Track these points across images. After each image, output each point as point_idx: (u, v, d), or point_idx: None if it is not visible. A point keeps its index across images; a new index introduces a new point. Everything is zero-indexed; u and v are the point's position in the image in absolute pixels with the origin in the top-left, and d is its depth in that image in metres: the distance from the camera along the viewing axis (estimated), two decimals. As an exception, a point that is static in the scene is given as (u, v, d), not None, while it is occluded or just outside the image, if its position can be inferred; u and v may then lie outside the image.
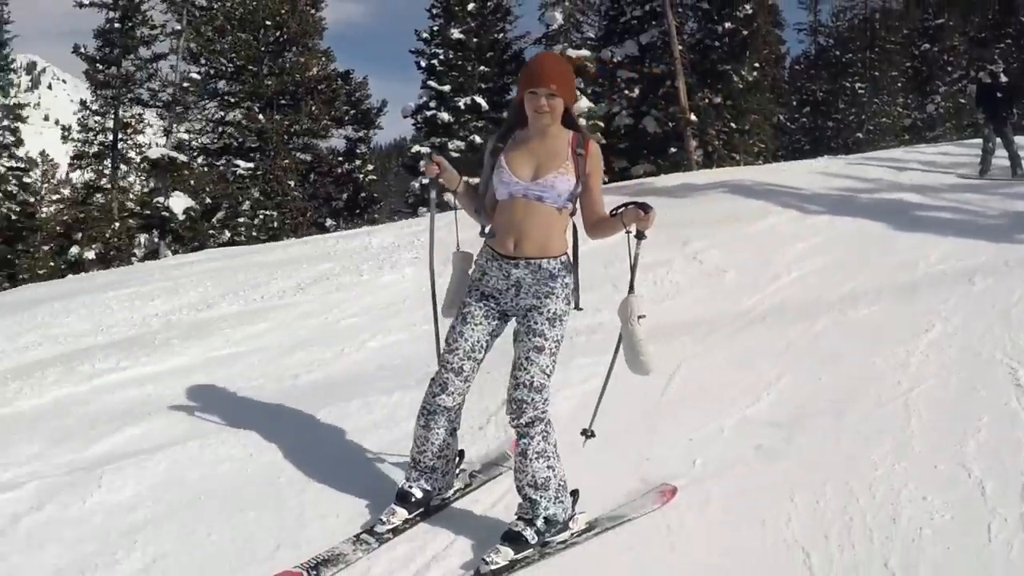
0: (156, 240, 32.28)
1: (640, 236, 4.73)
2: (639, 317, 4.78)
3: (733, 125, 36.50)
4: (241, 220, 33.68)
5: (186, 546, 4.94)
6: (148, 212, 33.33)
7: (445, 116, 36.26)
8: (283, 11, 37.57)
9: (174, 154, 32.77)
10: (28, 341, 9.16)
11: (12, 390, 7.57)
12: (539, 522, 4.84)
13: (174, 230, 31.46)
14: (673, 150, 34.37)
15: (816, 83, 56.61)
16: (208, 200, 33.42)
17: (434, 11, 39.38)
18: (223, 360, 8.33)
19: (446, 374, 5.01)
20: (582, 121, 31.25)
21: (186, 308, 10.12)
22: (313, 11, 39.83)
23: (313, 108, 37.42)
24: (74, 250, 34.80)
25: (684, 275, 10.21)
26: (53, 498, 5.50)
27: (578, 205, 4.98)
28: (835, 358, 7.61)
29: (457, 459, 5.45)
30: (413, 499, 5.14)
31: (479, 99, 36.52)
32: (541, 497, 4.84)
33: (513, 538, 4.77)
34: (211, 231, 32.24)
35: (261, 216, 33.91)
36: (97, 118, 40.07)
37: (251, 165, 36.27)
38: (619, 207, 4.74)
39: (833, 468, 5.61)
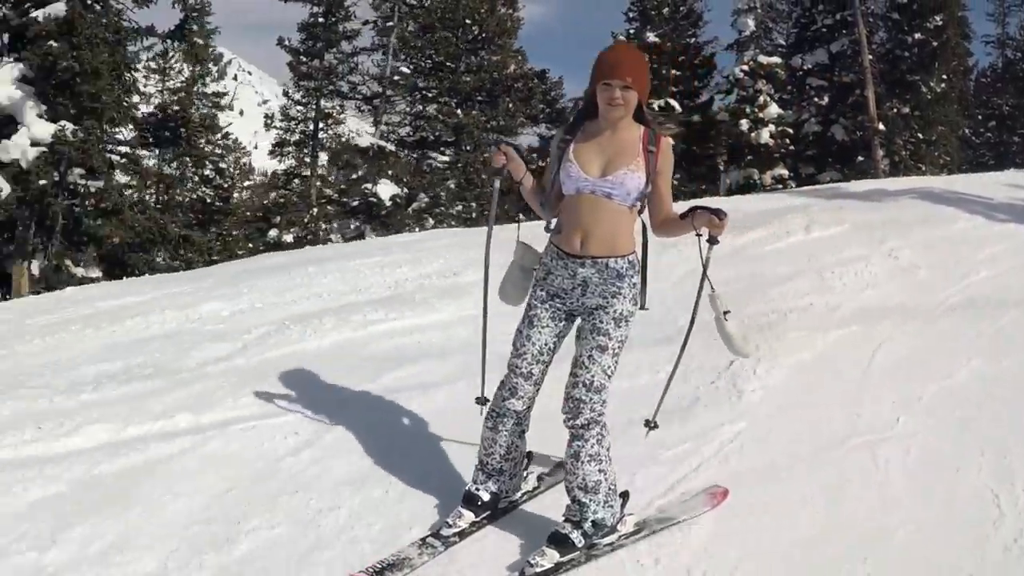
0: (357, 225, 33.68)
1: (712, 241, 4.66)
2: (725, 313, 4.78)
3: (920, 136, 36.41)
4: (438, 210, 34.92)
5: (463, 459, 5.86)
6: (346, 199, 34.86)
7: (640, 117, 37.08)
8: (482, 10, 38.75)
9: (382, 143, 34.26)
10: (295, 296, 10.26)
11: (296, 333, 8.70)
12: (587, 525, 4.81)
13: (377, 216, 32.82)
14: (860, 159, 34.52)
15: (1002, 97, 55.21)
16: (406, 189, 34.69)
17: (631, 15, 40.40)
18: (477, 318, 9.28)
19: (515, 379, 4.94)
20: (771, 127, 31.96)
21: (433, 275, 11.11)
22: (511, 11, 40.97)
23: (510, 105, 38.50)
24: (272, 233, 36.59)
25: (881, 269, 10.70)
26: (346, 418, 6.58)
27: (645, 202, 4.83)
28: (1020, 347, 8.18)
29: (525, 461, 5.40)
30: (480, 502, 5.11)
31: (672, 101, 37.27)
32: (590, 500, 4.79)
33: (559, 540, 4.75)
34: (406, 220, 33.46)
35: (459, 206, 35.09)
36: (299, 108, 42.05)
37: (446, 158, 37.54)
38: (690, 210, 4.65)
39: (1019, 431, 6.29)
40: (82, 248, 22.26)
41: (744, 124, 32.86)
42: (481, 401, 5.32)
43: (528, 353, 4.89)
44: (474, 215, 34.62)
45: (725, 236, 4.76)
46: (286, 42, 40.70)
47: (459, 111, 37.66)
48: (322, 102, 40.97)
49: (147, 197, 23.44)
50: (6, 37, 22.43)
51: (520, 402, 4.95)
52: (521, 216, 5.34)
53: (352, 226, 34.25)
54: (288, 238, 35.56)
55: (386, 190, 33.22)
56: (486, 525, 5.11)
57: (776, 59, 34.97)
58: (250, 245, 35.88)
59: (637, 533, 5.02)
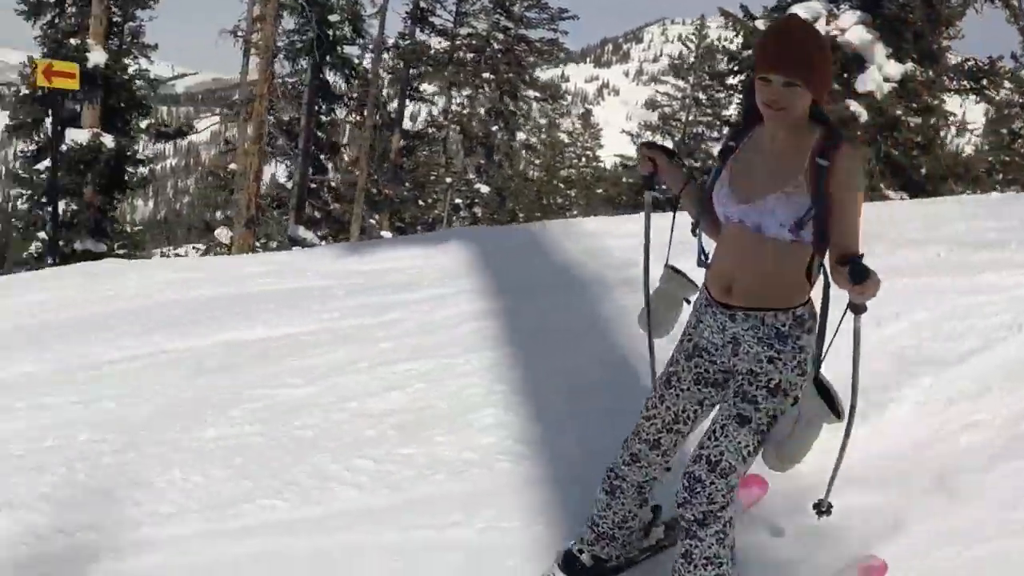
0: None
1: (857, 310, 3.44)
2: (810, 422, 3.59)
3: None
4: None
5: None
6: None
7: None
8: None
9: None
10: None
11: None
12: None
13: None
14: None
15: None
16: None
17: None
18: None
19: (638, 444, 4.01)
20: None
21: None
22: None
23: None
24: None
25: None
26: None
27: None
28: None
29: (646, 523, 4.47)
30: (579, 565, 4.29)
31: None
32: None
33: None
34: None
35: None
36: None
37: None
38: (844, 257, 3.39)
39: None
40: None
41: None
42: None
43: (658, 418, 3.97)
44: None
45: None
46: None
47: None
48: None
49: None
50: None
51: (641, 472, 4.05)
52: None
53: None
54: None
55: None
56: None
57: None
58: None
59: None
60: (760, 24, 23.87)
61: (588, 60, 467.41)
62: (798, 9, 22.76)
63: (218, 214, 37.83)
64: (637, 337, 5.97)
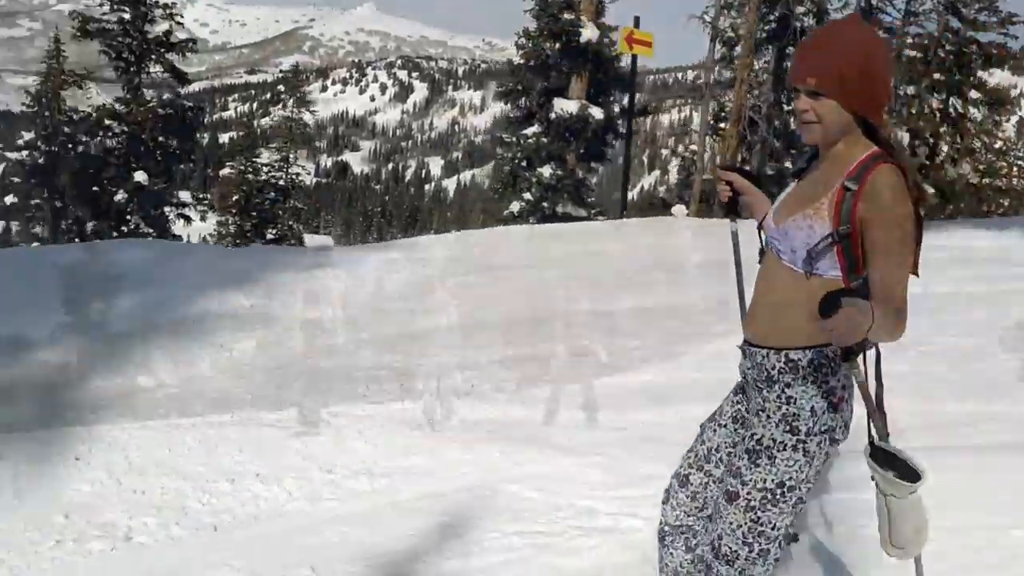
0: None
1: (846, 355, 2.87)
2: (888, 495, 3.07)
3: None
4: None
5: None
6: None
7: None
8: None
9: None
10: None
11: None
12: None
13: None
14: None
15: None
16: None
17: None
18: None
19: (671, 478, 3.59)
20: None
21: None
22: None
23: None
24: None
25: None
26: None
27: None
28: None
29: None
30: None
31: None
32: None
33: None
34: None
35: None
36: None
37: None
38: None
39: None
40: None
41: None
42: None
43: (692, 452, 3.54)
44: None
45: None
46: None
47: None
48: None
49: None
50: None
51: (672, 514, 3.56)
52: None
53: None
54: None
55: None
56: None
57: None
58: None
59: None
60: None
61: (1004, 67, 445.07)
62: None
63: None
64: None
